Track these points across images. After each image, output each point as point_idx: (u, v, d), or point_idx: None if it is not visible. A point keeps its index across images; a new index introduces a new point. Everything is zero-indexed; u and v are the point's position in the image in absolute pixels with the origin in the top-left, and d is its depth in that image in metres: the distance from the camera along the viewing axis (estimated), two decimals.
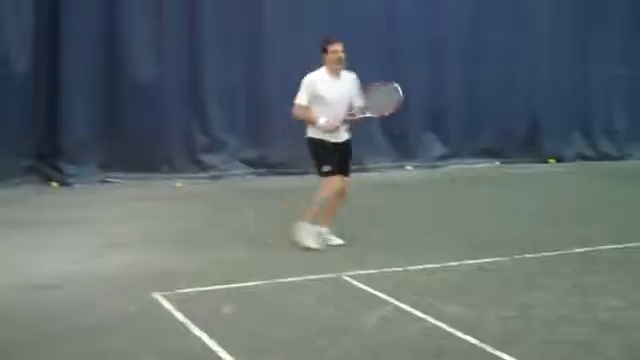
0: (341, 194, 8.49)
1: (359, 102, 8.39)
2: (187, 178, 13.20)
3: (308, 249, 8.23)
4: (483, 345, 5.42)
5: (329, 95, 8.25)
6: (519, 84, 16.24)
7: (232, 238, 8.92)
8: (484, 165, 15.90)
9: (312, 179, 13.60)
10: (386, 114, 8.52)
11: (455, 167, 15.39)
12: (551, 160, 16.51)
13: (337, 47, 8.26)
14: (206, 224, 9.83)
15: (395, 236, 8.97)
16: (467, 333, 5.62)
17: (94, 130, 12.87)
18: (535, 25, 16.26)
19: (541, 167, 16.06)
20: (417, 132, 15.21)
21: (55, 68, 12.59)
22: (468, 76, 15.72)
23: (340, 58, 8.28)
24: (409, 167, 14.83)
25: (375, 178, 13.87)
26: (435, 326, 5.82)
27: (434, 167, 15.29)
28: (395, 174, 14.37)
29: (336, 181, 8.33)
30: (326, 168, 8.31)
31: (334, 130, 8.28)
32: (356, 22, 14.40)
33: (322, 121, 8.21)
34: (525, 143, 16.46)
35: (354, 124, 8.51)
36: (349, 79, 8.47)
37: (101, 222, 9.77)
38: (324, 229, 8.55)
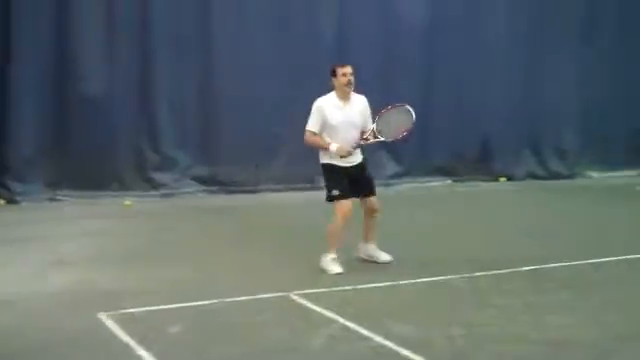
0: (370, 213, 8.56)
1: (370, 125, 8.33)
2: (137, 196, 13.08)
3: (338, 274, 8.05)
4: None
5: (339, 120, 8.20)
6: (470, 104, 16.35)
7: (180, 257, 8.83)
8: (436, 184, 15.97)
9: (263, 196, 13.71)
10: (399, 137, 8.48)
11: (408, 185, 15.42)
12: (502, 179, 16.63)
13: (347, 70, 8.21)
14: (154, 242, 9.72)
15: (345, 255, 8.90)
16: (414, 352, 5.58)
17: (42, 147, 12.71)
18: (487, 45, 16.38)
19: (492, 185, 16.17)
20: (370, 151, 15.13)
21: (2, 84, 12.39)
22: (420, 95, 15.68)
23: (349, 81, 8.21)
24: None
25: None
26: (382, 345, 5.77)
27: (387, 185, 15.27)
28: None
29: (345, 205, 8.22)
30: (335, 192, 8.23)
31: (347, 155, 8.21)
32: (305, 37, 14.44)
33: (334, 148, 8.14)
34: (476, 162, 16.57)
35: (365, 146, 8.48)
36: (359, 102, 8.41)
37: (48, 240, 9.62)
38: (371, 245, 8.66)
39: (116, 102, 13.08)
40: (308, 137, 8.30)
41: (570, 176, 17.35)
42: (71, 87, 12.78)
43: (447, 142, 16.19)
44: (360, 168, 8.44)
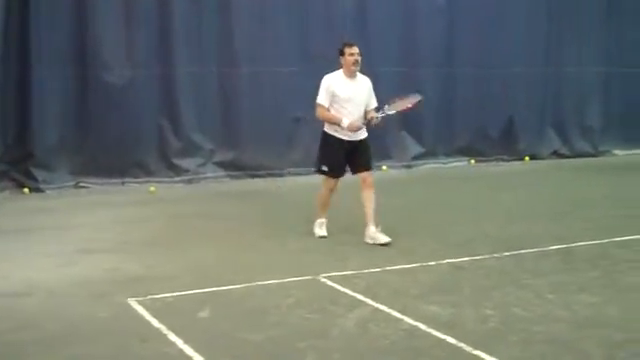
0: (363, 187, 8.84)
1: (373, 104, 8.78)
2: (161, 182, 13.06)
3: (321, 237, 8.88)
4: (462, 345, 5.37)
5: (345, 94, 8.63)
6: (494, 83, 16.25)
7: (207, 242, 8.84)
8: (460, 164, 15.93)
9: (287, 180, 13.69)
10: (405, 108, 8.84)
11: (431, 166, 15.38)
12: (526, 158, 16.55)
13: (354, 50, 8.64)
14: (180, 228, 9.72)
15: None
16: (446, 333, 5.58)
17: (66, 135, 12.68)
18: (509, 24, 16.28)
19: (516, 165, 16.11)
20: (393, 132, 15.11)
21: (25, 73, 12.36)
22: (443, 76, 15.71)
23: (356, 60, 8.63)
24: (385, 167, 14.77)
25: (350, 179, 13.81)
26: (414, 327, 5.77)
27: (410, 167, 15.27)
28: None
29: (331, 182, 8.89)
30: (324, 168, 8.86)
31: (357, 130, 8.61)
32: (326, 23, 14.40)
33: (345, 123, 8.55)
34: (500, 141, 16.49)
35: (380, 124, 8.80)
36: (364, 82, 8.84)
37: (74, 228, 9.64)
38: (370, 228, 8.68)
39: (137, 88, 13.01)
40: (320, 111, 8.71)
41: (594, 154, 17.29)
42: (94, 75, 12.70)
43: (470, 122, 16.12)
44: (362, 144, 8.82)
